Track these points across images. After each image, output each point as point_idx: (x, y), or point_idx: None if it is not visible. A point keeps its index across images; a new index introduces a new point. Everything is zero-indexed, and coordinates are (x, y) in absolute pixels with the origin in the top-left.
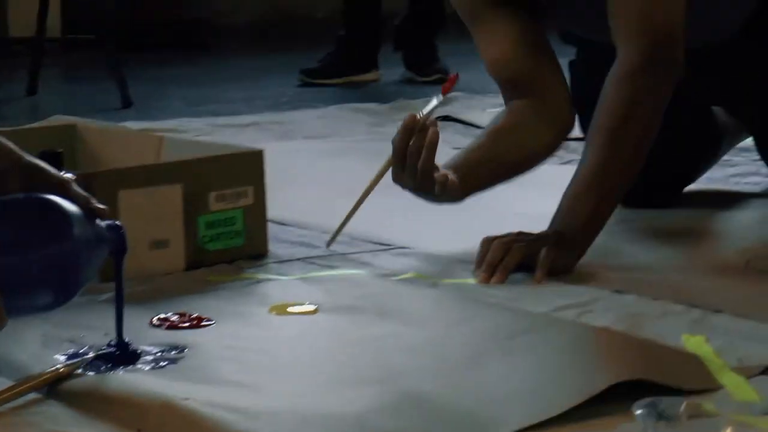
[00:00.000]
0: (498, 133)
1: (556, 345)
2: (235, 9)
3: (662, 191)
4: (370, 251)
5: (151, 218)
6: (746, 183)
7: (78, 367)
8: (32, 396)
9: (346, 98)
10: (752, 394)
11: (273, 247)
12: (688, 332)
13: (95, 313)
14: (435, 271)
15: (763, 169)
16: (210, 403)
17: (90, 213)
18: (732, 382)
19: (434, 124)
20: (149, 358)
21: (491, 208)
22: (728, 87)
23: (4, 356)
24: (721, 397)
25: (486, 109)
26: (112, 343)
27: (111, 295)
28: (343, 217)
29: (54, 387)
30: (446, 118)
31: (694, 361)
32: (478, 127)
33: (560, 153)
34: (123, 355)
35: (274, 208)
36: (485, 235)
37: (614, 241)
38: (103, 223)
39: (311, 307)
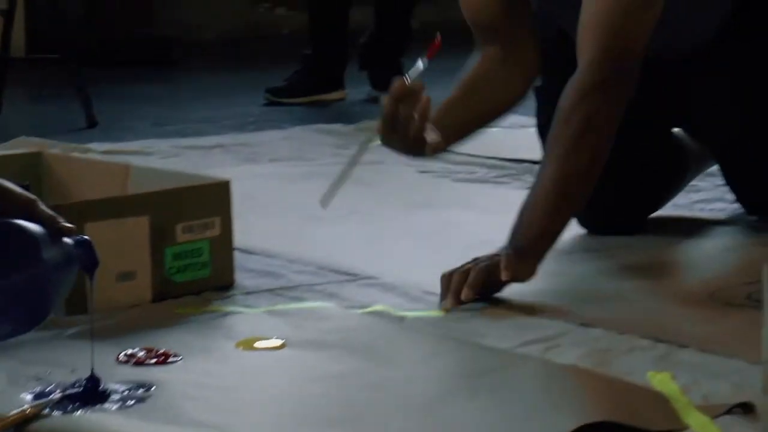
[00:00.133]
0: (470, 87)
1: (523, 384)
2: (202, 25)
3: (627, 218)
4: (337, 282)
5: (117, 250)
6: (711, 209)
7: (45, 407)
8: None
9: (312, 118)
10: None
11: (239, 278)
12: (654, 368)
13: (62, 348)
14: (401, 304)
15: (728, 195)
16: None
17: (57, 233)
18: (697, 423)
19: (423, 88)
20: (116, 397)
21: (455, 237)
22: (692, 107)
23: None
24: None
25: None
26: (80, 381)
27: (78, 329)
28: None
29: (21, 429)
30: None
31: (660, 400)
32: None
33: (525, 178)
34: (90, 394)
35: (239, 236)
36: (444, 270)
37: (580, 271)
38: (71, 240)
39: (278, 342)
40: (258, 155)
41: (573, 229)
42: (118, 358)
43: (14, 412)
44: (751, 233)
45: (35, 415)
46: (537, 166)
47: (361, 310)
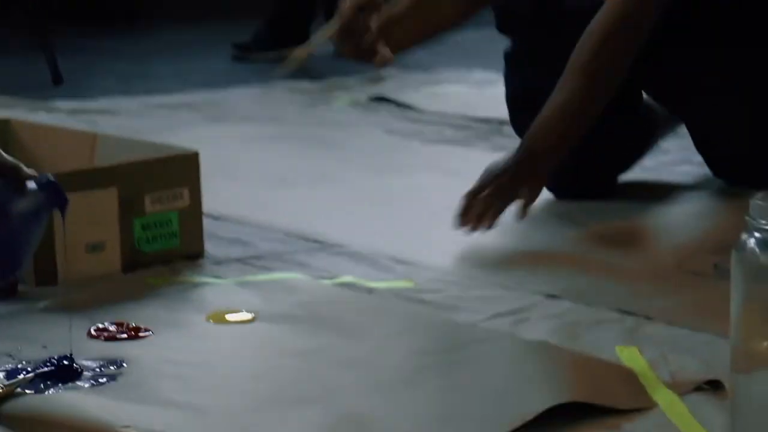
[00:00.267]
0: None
1: (493, 363)
2: None
3: (596, 181)
4: (305, 250)
5: (87, 222)
6: (679, 172)
7: (17, 387)
8: None
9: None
10: (685, 414)
11: (208, 246)
12: (622, 343)
13: (33, 323)
14: (370, 274)
15: (695, 157)
16: (150, 431)
17: (22, 181)
18: (665, 401)
19: (384, 0)
20: (88, 374)
21: (423, 203)
22: (662, 70)
23: None
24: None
25: (420, 88)
26: (52, 358)
27: (48, 302)
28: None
29: None
30: (380, 99)
31: (629, 377)
32: (412, 108)
33: (494, 139)
34: (63, 372)
35: (207, 201)
36: (464, 193)
37: (548, 238)
38: (35, 185)
39: (248, 316)
40: (225, 114)
41: (541, 195)
42: (89, 333)
43: None
44: (718, 198)
45: (7, 395)
46: (505, 126)
47: (330, 281)
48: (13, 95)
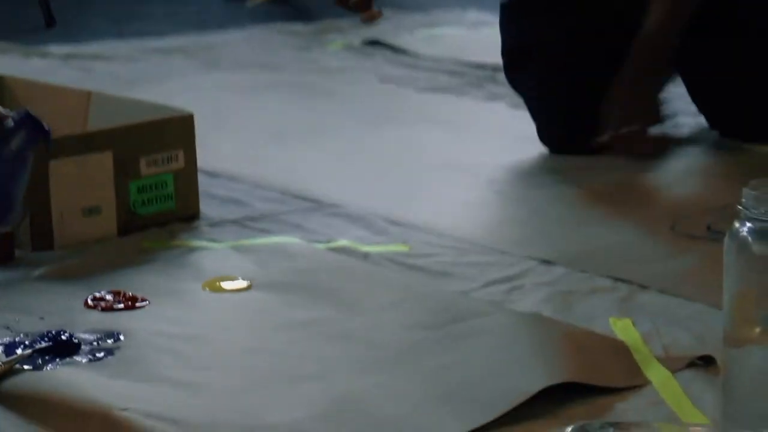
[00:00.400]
0: None
1: (487, 339)
2: None
3: (590, 135)
4: (301, 210)
5: (82, 186)
6: (674, 125)
7: (15, 363)
8: None
9: (274, 14)
10: (678, 392)
11: (204, 205)
12: (615, 314)
13: (30, 294)
14: (365, 237)
15: (691, 108)
16: (148, 413)
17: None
18: (658, 378)
19: None
20: (86, 348)
21: (418, 158)
22: None
23: None
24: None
25: (415, 30)
26: (50, 332)
27: (45, 269)
28: None
29: None
30: (374, 43)
31: (622, 352)
32: (407, 53)
33: (488, 86)
34: (61, 347)
35: (202, 157)
36: None
37: (542, 196)
38: (12, 123)
39: (244, 284)
40: (219, 60)
41: (535, 149)
42: (86, 303)
43: None
44: (713, 153)
45: (6, 373)
46: (498, 74)
47: (325, 245)
48: (6, 39)
